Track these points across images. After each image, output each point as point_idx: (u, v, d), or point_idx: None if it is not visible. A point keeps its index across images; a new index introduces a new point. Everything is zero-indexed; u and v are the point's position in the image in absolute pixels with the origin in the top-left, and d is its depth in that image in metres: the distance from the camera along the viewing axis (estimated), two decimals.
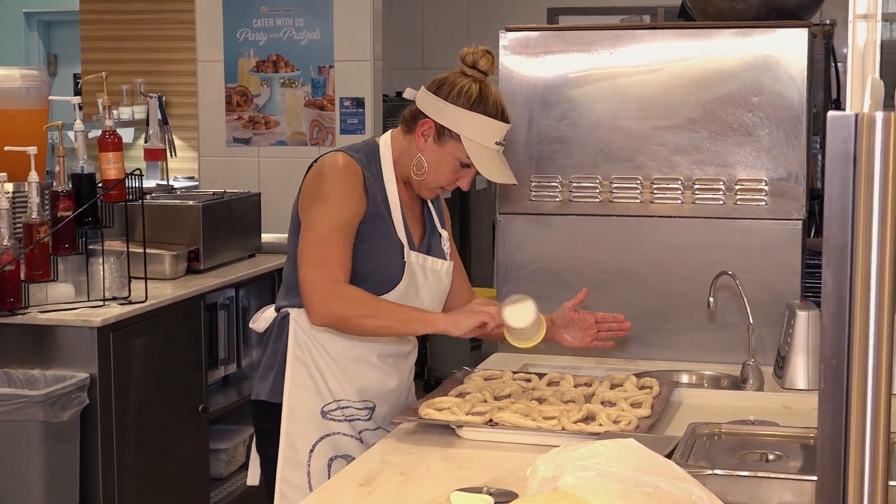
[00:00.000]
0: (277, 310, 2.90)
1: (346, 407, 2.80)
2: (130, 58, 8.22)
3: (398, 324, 2.68)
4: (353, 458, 2.68)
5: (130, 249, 4.27)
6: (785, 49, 3.30)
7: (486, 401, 2.73)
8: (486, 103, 2.74)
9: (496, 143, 2.76)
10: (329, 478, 2.66)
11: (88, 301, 4.18)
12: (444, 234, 2.99)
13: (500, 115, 2.77)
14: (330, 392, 2.79)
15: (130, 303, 4.20)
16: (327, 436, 2.78)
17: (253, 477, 2.95)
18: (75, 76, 9.64)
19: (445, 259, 2.94)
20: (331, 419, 2.79)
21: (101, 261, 4.22)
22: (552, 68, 3.46)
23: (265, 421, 2.84)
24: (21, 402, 3.83)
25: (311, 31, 6.64)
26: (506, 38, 3.49)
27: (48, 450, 3.88)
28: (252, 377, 4.60)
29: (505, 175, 2.80)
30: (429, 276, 2.87)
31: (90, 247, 4.21)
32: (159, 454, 4.37)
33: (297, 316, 2.83)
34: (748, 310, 3.09)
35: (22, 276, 4.06)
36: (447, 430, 2.67)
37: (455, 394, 2.84)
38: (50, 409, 3.85)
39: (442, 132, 2.75)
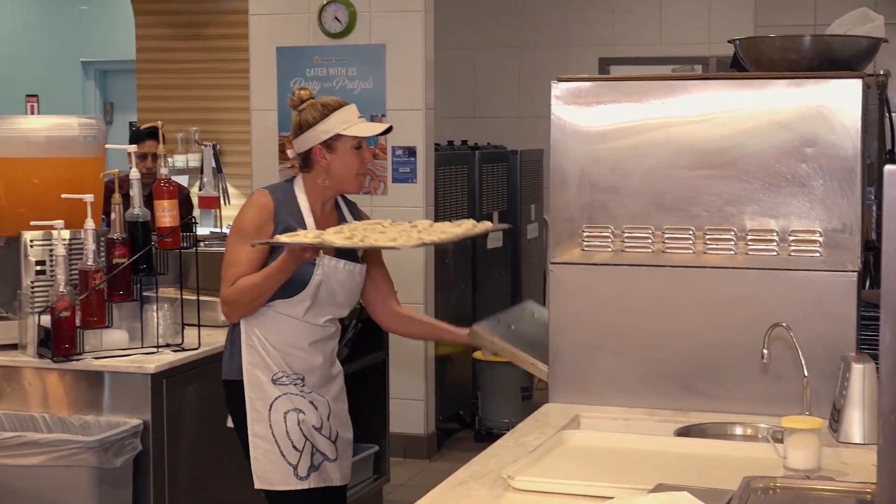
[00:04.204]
0: None
1: (288, 375, 3.64)
2: (185, 106, 8.33)
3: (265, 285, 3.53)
4: (303, 412, 3.62)
5: (184, 296, 4.31)
6: (839, 99, 3.28)
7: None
8: (328, 106, 3.63)
9: (358, 117, 3.66)
10: (286, 426, 3.59)
11: (142, 347, 4.21)
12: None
13: (339, 103, 3.66)
14: (275, 366, 3.63)
15: (184, 349, 4.23)
16: (283, 395, 3.62)
17: (230, 421, 3.76)
18: (131, 124, 9.77)
19: (359, 263, 3.69)
20: (280, 384, 3.63)
21: (155, 307, 4.26)
22: (604, 118, 3.47)
23: (236, 392, 3.66)
24: (75, 448, 3.86)
25: (363, 81, 6.69)
26: (558, 89, 3.50)
27: (101, 495, 3.90)
28: None
29: (377, 128, 3.73)
30: (342, 276, 3.63)
31: (144, 294, 4.25)
32: (211, 501, 4.37)
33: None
34: (803, 362, 3.06)
35: (77, 322, 4.11)
36: (498, 482, 2.66)
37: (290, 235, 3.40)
38: (103, 455, 3.87)
39: (328, 144, 3.61)
